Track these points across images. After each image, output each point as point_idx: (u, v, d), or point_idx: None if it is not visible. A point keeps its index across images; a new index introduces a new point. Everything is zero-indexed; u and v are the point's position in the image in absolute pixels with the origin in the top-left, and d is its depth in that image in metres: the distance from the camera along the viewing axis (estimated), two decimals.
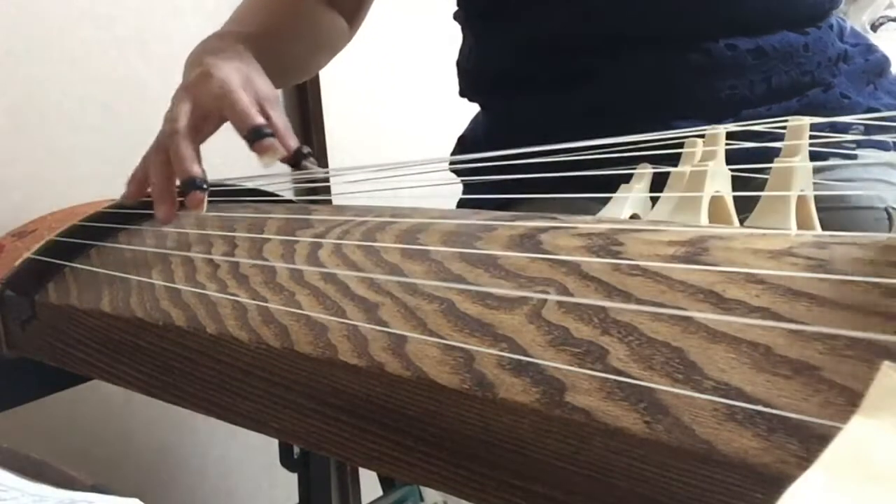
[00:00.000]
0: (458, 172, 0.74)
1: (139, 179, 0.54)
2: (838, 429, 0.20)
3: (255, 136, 0.49)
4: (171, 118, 0.51)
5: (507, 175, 0.49)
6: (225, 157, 1.18)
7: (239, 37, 0.60)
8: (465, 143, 0.74)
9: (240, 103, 0.50)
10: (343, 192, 0.52)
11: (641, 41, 0.59)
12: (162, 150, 0.51)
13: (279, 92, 0.58)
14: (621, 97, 0.59)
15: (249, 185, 0.63)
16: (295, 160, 0.53)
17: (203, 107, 0.52)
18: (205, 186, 0.49)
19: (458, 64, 0.74)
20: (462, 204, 0.73)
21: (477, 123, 0.74)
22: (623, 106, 0.58)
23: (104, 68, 1.07)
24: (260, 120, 0.50)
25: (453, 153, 0.75)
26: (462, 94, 0.74)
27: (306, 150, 0.54)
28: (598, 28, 0.61)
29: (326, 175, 0.59)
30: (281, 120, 0.53)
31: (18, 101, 1.00)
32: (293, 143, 0.53)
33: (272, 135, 0.50)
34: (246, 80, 0.53)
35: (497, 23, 0.67)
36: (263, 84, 0.54)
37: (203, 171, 0.50)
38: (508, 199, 0.66)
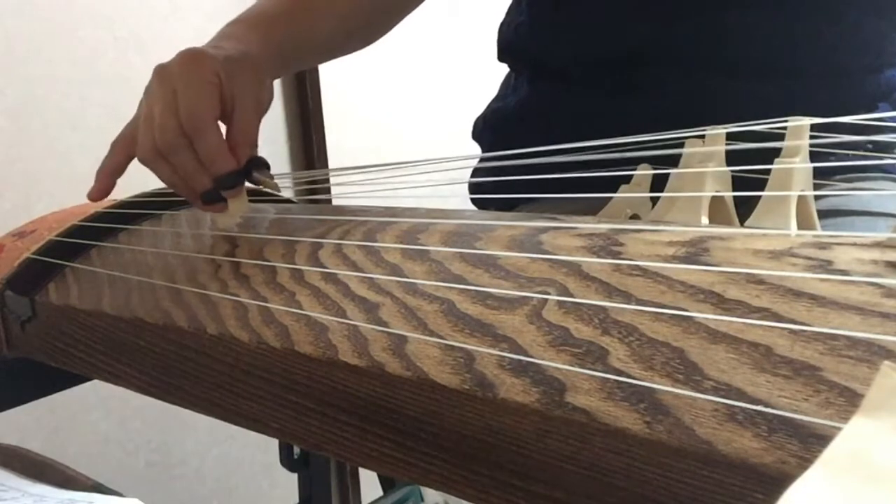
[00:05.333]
0: (479, 141, 0.73)
1: (111, 172, 0.53)
2: (838, 429, 0.20)
3: (222, 184, 0.49)
4: (161, 127, 0.50)
5: (510, 176, 0.49)
6: None
7: (255, 22, 0.59)
8: (492, 120, 0.72)
9: (206, 139, 0.49)
10: (343, 192, 0.52)
11: (714, 65, 0.59)
12: (162, 159, 0.50)
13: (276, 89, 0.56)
14: (679, 113, 0.58)
15: (249, 184, 0.63)
16: (244, 172, 0.51)
17: (177, 129, 0.50)
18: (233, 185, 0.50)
19: (503, 31, 0.72)
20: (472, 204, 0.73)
21: (510, 94, 0.72)
22: (677, 121, 0.56)
23: (104, 68, 1.07)
24: (225, 166, 0.49)
25: (476, 122, 0.74)
26: (501, 59, 0.73)
27: (259, 161, 0.51)
28: (672, 44, 0.60)
29: (326, 175, 0.59)
30: (239, 132, 0.51)
31: (18, 101, 1.00)
32: (243, 156, 0.50)
33: (241, 182, 0.50)
34: (224, 83, 0.51)
35: (566, 13, 0.65)
36: (242, 87, 0.52)
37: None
38: (513, 199, 0.66)
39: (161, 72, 0.52)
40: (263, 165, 0.51)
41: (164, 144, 0.49)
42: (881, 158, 0.57)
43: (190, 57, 0.52)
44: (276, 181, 0.52)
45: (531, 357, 0.28)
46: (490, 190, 0.71)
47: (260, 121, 0.53)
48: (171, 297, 0.44)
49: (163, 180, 0.51)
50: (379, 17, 0.70)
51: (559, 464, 0.27)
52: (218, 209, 0.50)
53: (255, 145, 0.52)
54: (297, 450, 0.75)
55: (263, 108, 0.54)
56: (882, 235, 0.27)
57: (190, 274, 0.46)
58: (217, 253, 0.47)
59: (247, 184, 0.51)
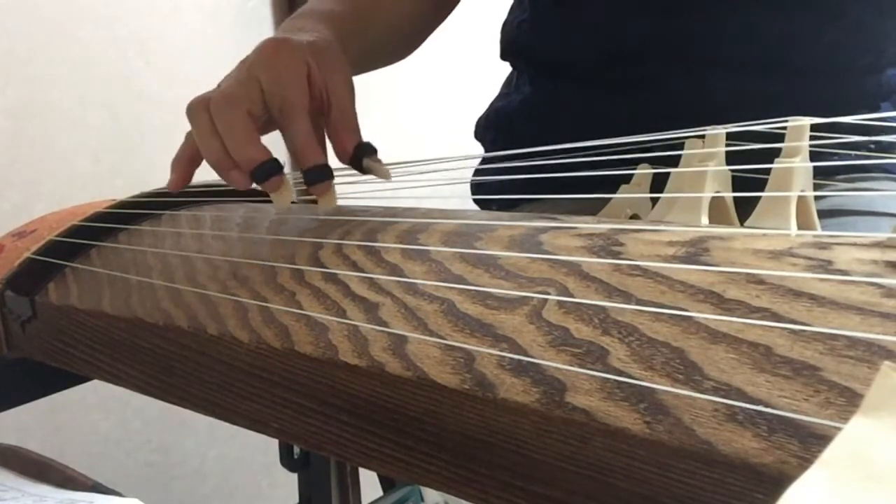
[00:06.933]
0: (481, 140, 0.73)
1: (188, 161, 0.48)
2: (838, 429, 0.20)
3: (311, 177, 0.46)
4: (229, 123, 0.45)
5: (511, 175, 0.49)
6: None
7: (322, 16, 0.55)
8: (495, 120, 0.72)
9: (298, 128, 0.46)
10: (343, 192, 0.52)
11: (715, 62, 0.59)
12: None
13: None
14: (680, 111, 0.58)
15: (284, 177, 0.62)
16: (353, 161, 0.47)
17: (262, 116, 0.47)
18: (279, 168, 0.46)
19: (506, 30, 0.72)
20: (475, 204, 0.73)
21: (512, 92, 0.72)
22: (678, 119, 0.56)
23: (104, 68, 1.07)
24: (317, 157, 0.46)
25: (479, 121, 0.74)
26: (504, 58, 0.73)
27: (368, 147, 0.47)
28: (672, 41, 0.60)
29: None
30: (340, 117, 0.47)
31: (18, 101, 1.00)
32: (350, 142, 0.47)
33: (330, 176, 0.46)
34: (313, 70, 0.47)
35: (568, 10, 0.65)
36: (334, 72, 0.48)
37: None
38: (514, 199, 0.66)
39: (241, 64, 0.48)
40: (373, 151, 0.47)
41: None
42: (883, 158, 0.57)
43: (273, 44, 0.48)
44: (387, 168, 0.47)
45: (531, 357, 0.28)
46: (491, 190, 0.71)
47: (355, 106, 0.49)
48: (171, 298, 0.44)
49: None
50: (426, 21, 0.69)
51: (559, 464, 0.27)
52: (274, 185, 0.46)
53: (359, 130, 0.48)
54: (297, 450, 0.75)
55: (355, 93, 0.50)
56: (882, 235, 0.27)
57: (190, 274, 0.46)
58: (217, 253, 0.47)
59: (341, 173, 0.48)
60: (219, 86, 0.48)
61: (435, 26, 0.71)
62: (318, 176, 0.46)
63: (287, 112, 0.45)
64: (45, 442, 1.03)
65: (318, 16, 0.56)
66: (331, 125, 0.48)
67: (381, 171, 0.47)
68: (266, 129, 0.49)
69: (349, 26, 0.57)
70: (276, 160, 0.45)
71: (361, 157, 0.47)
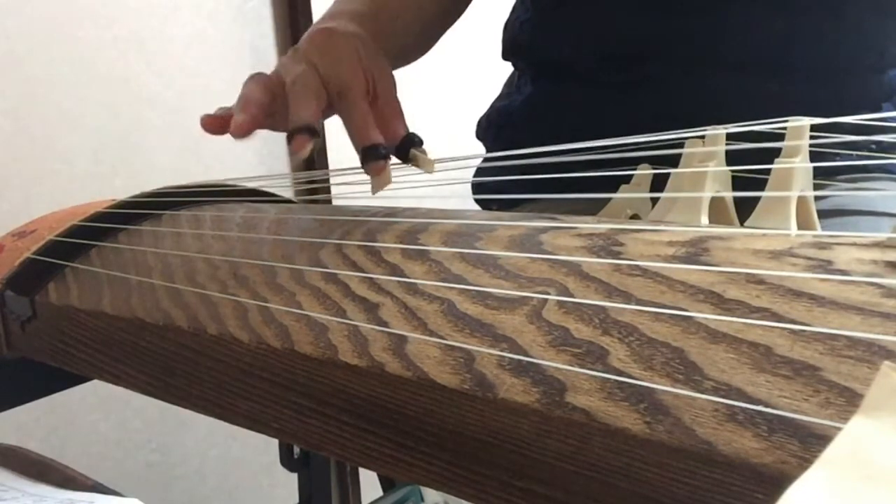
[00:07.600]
0: (482, 140, 0.73)
1: (260, 103, 0.48)
2: (838, 429, 0.20)
3: (368, 156, 0.46)
4: (296, 95, 0.46)
5: (512, 175, 0.49)
6: (223, 157, 1.18)
7: (353, 15, 0.57)
8: (496, 119, 0.72)
9: (358, 110, 0.47)
10: (343, 192, 0.52)
11: (715, 63, 0.59)
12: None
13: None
14: (680, 111, 0.58)
15: (249, 185, 0.63)
16: (400, 149, 0.48)
17: (323, 98, 0.48)
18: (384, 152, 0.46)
19: (508, 29, 0.72)
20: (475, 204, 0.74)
21: (513, 92, 0.72)
22: (679, 119, 0.55)
23: (104, 68, 1.07)
24: (376, 137, 0.47)
25: (480, 121, 0.74)
26: (506, 58, 0.73)
27: (416, 138, 0.48)
28: (673, 41, 0.60)
29: (326, 175, 0.59)
30: (388, 105, 0.49)
31: (18, 101, 1.00)
32: (400, 130, 0.49)
33: (386, 156, 0.47)
34: (363, 57, 0.49)
35: (569, 9, 0.65)
36: (379, 62, 0.50)
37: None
38: (515, 199, 0.66)
39: (294, 53, 0.49)
40: (420, 142, 0.49)
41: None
42: (884, 159, 0.57)
43: (324, 32, 0.49)
44: (433, 160, 0.49)
45: (531, 357, 0.28)
46: (492, 190, 0.71)
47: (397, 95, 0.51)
48: (171, 298, 0.44)
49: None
50: (442, 21, 0.70)
51: (559, 464, 0.27)
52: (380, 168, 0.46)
53: (405, 119, 0.50)
54: (297, 450, 0.75)
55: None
56: (882, 235, 0.27)
57: (190, 274, 0.46)
58: (216, 253, 0.47)
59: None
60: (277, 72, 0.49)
61: (446, 29, 0.72)
62: (376, 155, 0.47)
63: (346, 95, 0.47)
64: (45, 442, 1.03)
65: (348, 15, 0.57)
66: (378, 112, 0.49)
67: (427, 163, 0.48)
68: (325, 114, 0.51)
69: (375, 27, 0.58)
70: (365, 162, 0.47)
71: (409, 146, 0.48)
